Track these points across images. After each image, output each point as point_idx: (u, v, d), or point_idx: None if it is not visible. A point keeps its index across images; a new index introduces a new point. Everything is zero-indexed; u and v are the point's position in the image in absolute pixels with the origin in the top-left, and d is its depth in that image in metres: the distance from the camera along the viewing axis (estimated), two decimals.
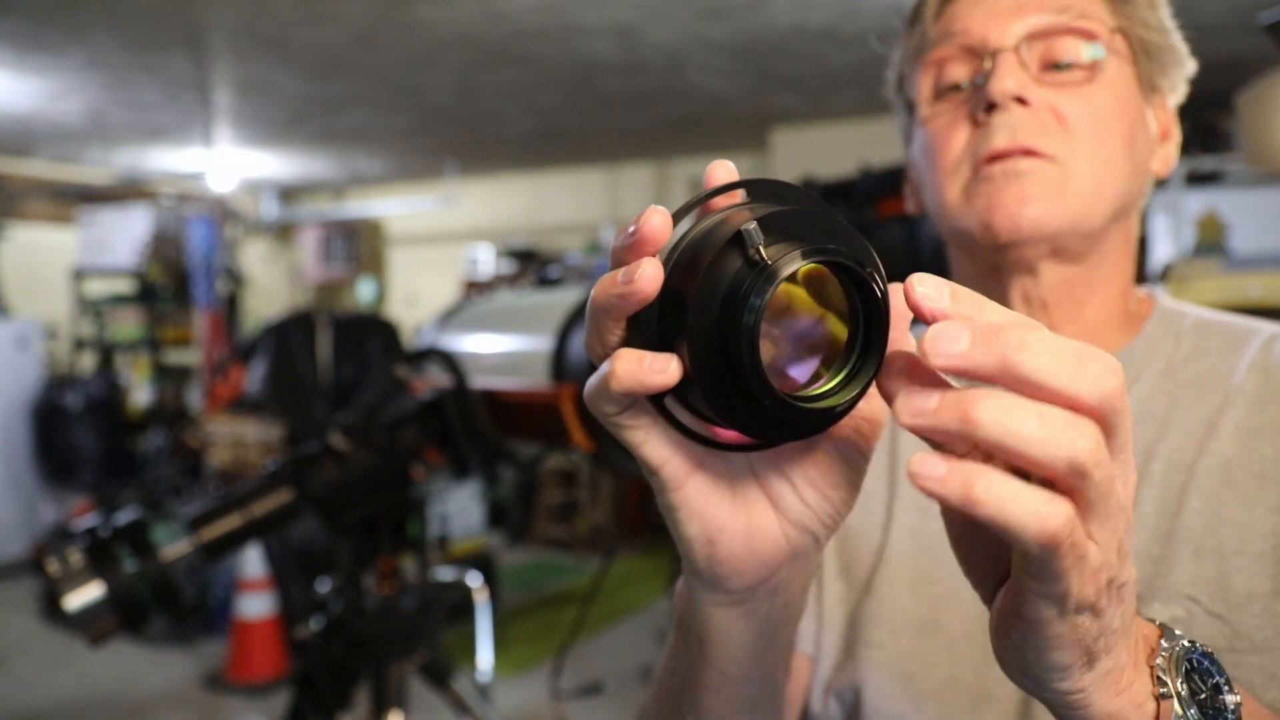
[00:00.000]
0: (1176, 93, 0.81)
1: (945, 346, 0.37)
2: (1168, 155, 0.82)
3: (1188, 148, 4.73)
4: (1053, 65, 0.75)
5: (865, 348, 0.42)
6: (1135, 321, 0.81)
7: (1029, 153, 0.73)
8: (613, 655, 4.32)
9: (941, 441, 0.39)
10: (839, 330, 0.42)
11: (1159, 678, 0.46)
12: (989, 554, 0.45)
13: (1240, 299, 2.58)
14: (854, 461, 0.49)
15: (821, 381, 0.42)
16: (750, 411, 0.41)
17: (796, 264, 0.39)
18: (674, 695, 0.60)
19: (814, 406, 0.41)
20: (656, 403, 0.45)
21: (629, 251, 0.42)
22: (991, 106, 0.74)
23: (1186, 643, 0.48)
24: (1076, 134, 0.73)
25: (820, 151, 6.38)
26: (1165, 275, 2.77)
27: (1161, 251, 3.61)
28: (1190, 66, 0.81)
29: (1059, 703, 0.45)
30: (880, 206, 3.61)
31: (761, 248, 0.39)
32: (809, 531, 0.49)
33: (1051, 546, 0.37)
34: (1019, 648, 0.43)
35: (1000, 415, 0.36)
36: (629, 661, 4.24)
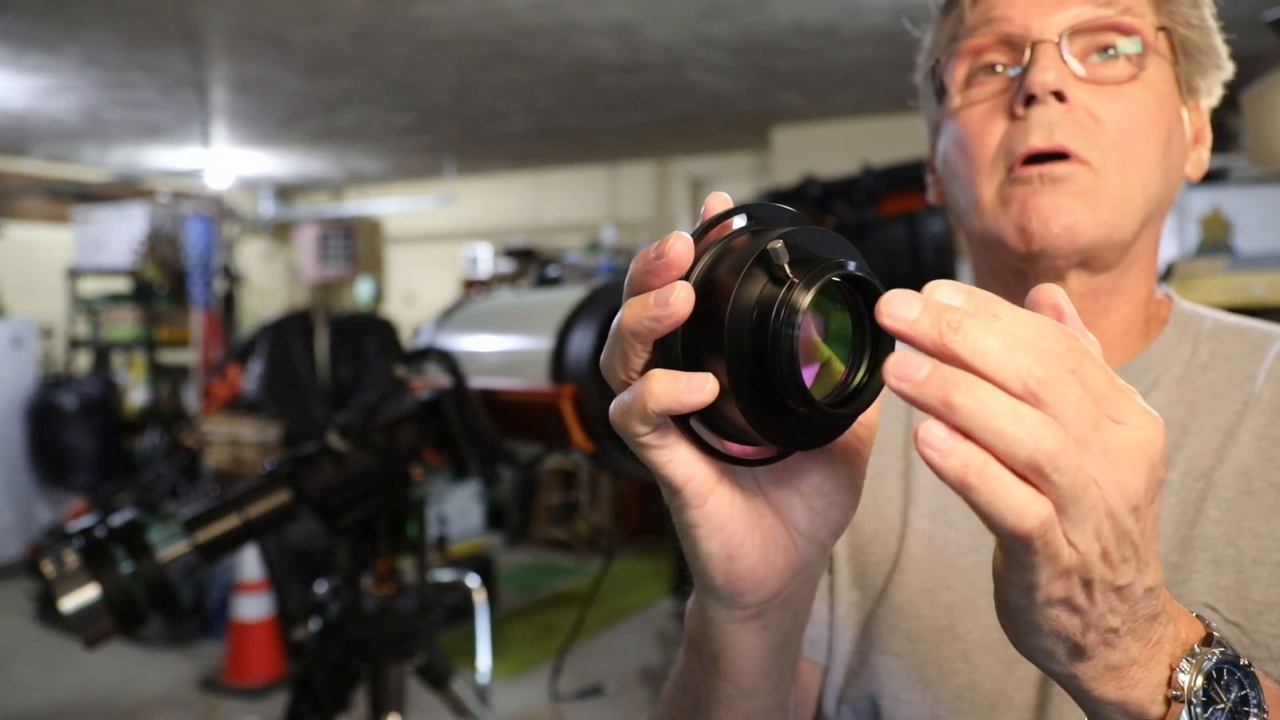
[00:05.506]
0: (1212, 96, 0.80)
1: (897, 309, 0.38)
2: (1200, 158, 0.80)
3: None
4: (1095, 54, 0.73)
5: (875, 350, 0.44)
6: (1153, 325, 0.80)
7: (1064, 154, 0.71)
8: (612, 657, 4.31)
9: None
10: (835, 336, 0.45)
11: (1177, 679, 0.46)
12: None
13: (1245, 298, 2.57)
14: (854, 465, 0.51)
15: (838, 385, 0.45)
16: (782, 422, 0.44)
17: (823, 279, 0.41)
18: (686, 712, 0.61)
19: (843, 411, 0.44)
20: (681, 422, 0.46)
21: (655, 276, 0.43)
22: (1030, 100, 0.72)
23: (1225, 653, 0.47)
24: (1111, 138, 0.72)
25: (821, 150, 6.38)
26: (1169, 274, 2.75)
27: (1166, 250, 3.59)
28: (1228, 70, 0.80)
29: (1058, 682, 0.47)
30: (881, 205, 3.60)
31: (787, 265, 0.41)
32: (817, 540, 0.51)
33: (1023, 542, 0.39)
34: (1008, 627, 0.45)
35: (975, 401, 0.37)
36: (629, 663, 4.23)
